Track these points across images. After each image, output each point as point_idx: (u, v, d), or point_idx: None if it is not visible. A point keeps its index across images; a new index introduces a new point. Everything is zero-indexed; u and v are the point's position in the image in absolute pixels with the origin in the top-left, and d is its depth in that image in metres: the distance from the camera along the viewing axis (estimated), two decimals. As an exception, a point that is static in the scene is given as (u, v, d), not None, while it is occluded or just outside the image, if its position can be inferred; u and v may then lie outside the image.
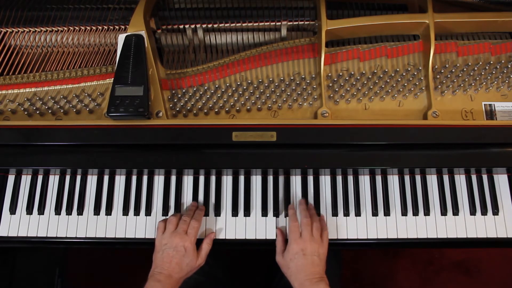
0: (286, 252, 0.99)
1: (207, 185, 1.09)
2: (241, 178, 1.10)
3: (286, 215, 1.07)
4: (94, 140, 1.02)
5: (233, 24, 1.15)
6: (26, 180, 1.10)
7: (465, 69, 1.12)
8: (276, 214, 1.07)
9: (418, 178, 1.10)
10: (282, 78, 1.12)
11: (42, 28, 1.14)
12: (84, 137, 1.02)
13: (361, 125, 1.03)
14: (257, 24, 1.15)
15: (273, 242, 1.05)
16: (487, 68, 1.13)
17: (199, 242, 1.02)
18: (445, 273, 1.85)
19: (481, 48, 1.15)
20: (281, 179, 1.10)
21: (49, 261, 1.65)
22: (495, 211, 1.07)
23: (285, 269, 0.99)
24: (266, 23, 1.15)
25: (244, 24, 1.15)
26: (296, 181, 1.10)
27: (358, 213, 1.07)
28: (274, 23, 1.15)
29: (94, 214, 1.07)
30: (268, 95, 1.10)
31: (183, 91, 1.11)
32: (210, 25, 1.15)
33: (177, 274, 0.95)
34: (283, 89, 1.11)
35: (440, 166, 1.07)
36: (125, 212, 1.07)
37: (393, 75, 1.12)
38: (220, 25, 1.15)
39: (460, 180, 1.10)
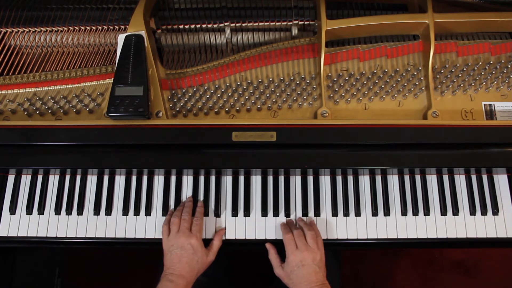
0: (285, 265, 0.99)
1: (207, 185, 1.09)
2: (241, 178, 1.10)
3: (286, 215, 1.07)
4: (94, 140, 1.02)
5: (233, 24, 1.15)
6: (26, 180, 1.10)
7: (465, 69, 1.12)
8: (276, 214, 1.07)
9: (418, 178, 1.10)
10: (282, 78, 1.12)
11: (42, 28, 1.14)
12: (84, 137, 1.02)
13: (361, 125, 1.03)
14: (257, 24, 1.15)
15: (273, 242, 1.05)
16: (487, 68, 1.13)
17: (207, 242, 1.03)
18: (445, 273, 1.85)
19: (481, 48, 1.15)
20: (281, 179, 1.10)
21: (49, 261, 1.65)
22: (495, 211, 1.07)
23: (286, 280, 0.99)
24: (265, 23, 1.15)
25: (244, 24, 1.15)
26: (296, 181, 1.10)
27: (358, 213, 1.07)
28: (274, 23, 1.15)
29: (94, 214, 1.07)
30: (268, 95, 1.10)
31: (183, 91, 1.11)
32: (210, 25, 1.15)
33: (188, 274, 0.96)
34: (283, 89, 1.11)
35: (440, 166, 1.07)
36: (125, 212, 1.07)
37: (393, 75, 1.12)
38: (220, 25, 1.15)
39: (460, 180, 1.10)
